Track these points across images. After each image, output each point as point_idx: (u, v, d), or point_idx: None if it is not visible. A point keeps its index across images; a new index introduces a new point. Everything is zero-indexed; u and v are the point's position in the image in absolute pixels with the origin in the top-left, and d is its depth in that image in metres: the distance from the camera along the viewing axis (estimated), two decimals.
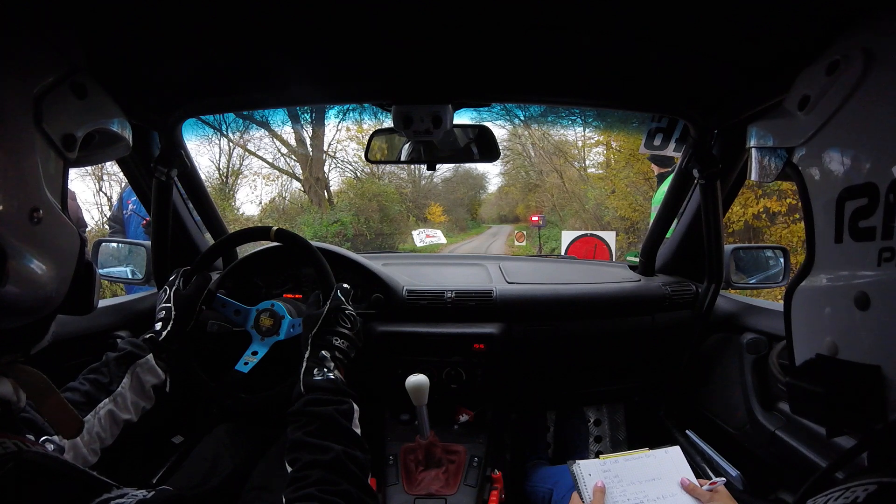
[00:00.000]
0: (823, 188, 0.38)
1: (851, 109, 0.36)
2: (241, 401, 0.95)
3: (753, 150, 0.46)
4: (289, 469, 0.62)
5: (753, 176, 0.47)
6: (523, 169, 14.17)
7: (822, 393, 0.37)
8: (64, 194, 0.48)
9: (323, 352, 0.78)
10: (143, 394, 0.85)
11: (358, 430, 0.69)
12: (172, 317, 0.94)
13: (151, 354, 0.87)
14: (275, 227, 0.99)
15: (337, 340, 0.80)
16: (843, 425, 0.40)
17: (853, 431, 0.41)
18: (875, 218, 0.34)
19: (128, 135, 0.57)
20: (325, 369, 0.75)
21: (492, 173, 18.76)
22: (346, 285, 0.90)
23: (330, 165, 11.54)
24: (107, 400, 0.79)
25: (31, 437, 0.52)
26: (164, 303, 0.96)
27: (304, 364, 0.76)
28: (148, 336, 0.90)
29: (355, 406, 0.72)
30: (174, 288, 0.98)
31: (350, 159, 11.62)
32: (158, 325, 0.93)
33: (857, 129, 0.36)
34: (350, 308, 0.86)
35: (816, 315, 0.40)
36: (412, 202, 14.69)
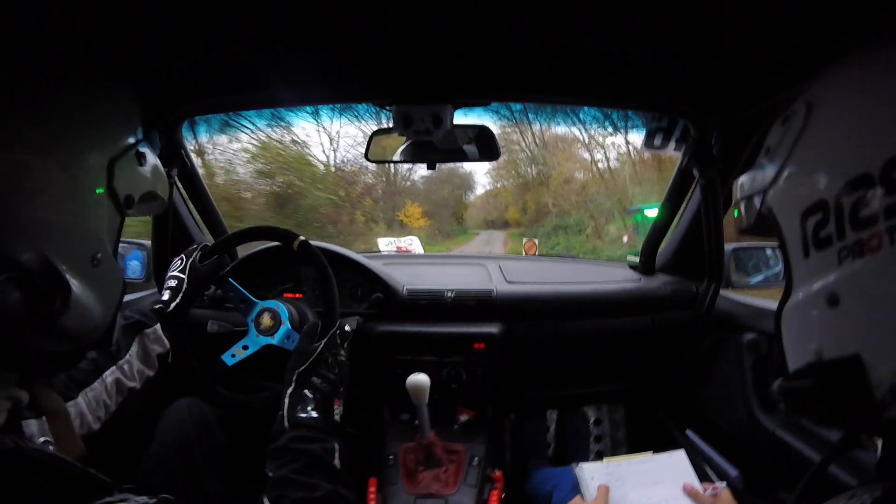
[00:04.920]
0: (790, 215, 0.45)
1: (800, 149, 0.45)
2: (216, 394, 0.94)
3: (740, 202, 0.55)
4: None
5: (744, 224, 0.55)
6: (517, 166, 12.65)
7: (811, 389, 0.42)
8: (117, 243, 0.56)
9: (306, 391, 0.76)
10: (148, 362, 0.86)
11: (340, 467, 0.67)
12: (183, 289, 0.94)
13: (159, 324, 0.88)
14: (301, 238, 0.95)
15: (321, 383, 0.78)
16: (834, 417, 0.44)
17: (845, 423, 0.45)
18: (830, 226, 0.40)
19: (165, 196, 0.65)
20: (309, 408, 0.73)
21: (479, 171, 16.96)
22: (347, 328, 0.87)
23: None
24: (114, 368, 0.80)
25: (34, 433, 0.54)
26: (178, 272, 0.96)
27: (287, 400, 0.73)
28: (157, 307, 0.91)
29: (336, 444, 0.70)
30: (191, 260, 0.97)
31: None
32: (167, 295, 0.93)
33: (805, 163, 0.44)
34: (343, 354, 0.83)
35: (800, 328, 0.46)
36: (381, 200, 12.45)
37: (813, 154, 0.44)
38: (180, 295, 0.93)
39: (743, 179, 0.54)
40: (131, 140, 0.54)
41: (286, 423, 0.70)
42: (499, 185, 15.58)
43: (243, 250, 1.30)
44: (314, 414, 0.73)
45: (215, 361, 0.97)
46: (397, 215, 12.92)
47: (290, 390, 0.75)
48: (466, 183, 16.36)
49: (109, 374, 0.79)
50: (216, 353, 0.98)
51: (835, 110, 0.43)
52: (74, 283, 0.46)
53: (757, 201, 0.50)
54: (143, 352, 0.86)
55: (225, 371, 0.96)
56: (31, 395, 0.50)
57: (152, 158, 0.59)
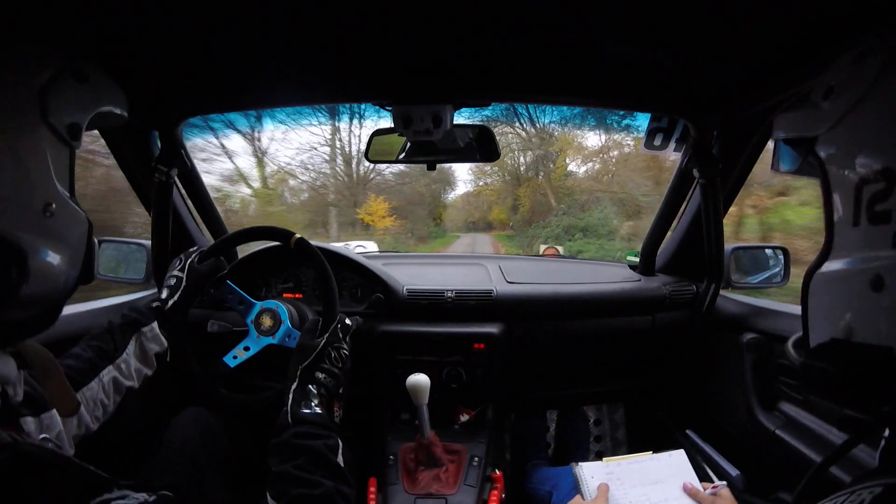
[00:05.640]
0: (844, 174, 0.39)
1: (873, 99, 0.37)
2: (219, 395, 0.94)
3: (778, 142, 0.48)
4: None
5: (780, 167, 0.48)
6: (501, 159, 10.49)
7: (836, 372, 0.39)
8: (72, 181, 0.49)
9: (310, 386, 0.76)
10: (146, 361, 0.86)
11: (342, 465, 0.67)
12: (182, 287, 0.93)
13: (156, 322, 0.88)
14: (297, 235, 0.94)
15: (325, 377, 0.78)
16: (855, 404, 0.41)
17: (864, 412, 0.42)
18: (891, 202, 0.35)
19: (123, 108, 0.58)
20: (312, 403, 0.73)
21: (461, 166, 13.81)
22: (348, 321, 0.86)
23: None
24: (111, 367, 0.79)
25: (31, 430, 0.53)
26: (177, 272, 0.96)
27: (291, 396, 0.73)
28: (154, 305, 0.91)
29: (339, 441, 0.70)
30: (189, 260, 0.97)
31: None
32: (165, 293, 0.93)
33: (877, 117, 0.37)
34: (346, 347, 0.83)
35: (833, 298, 0.41)
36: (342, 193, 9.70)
37: (888, 110, 0.36)
38: (178, 293, 0.93)
39: (784, 119, 0.46)
40: (60, 61, 0.46)
41: (289, 419, 0.70)
42: (481, 183, 13.39)
43: (243, 251, 1.31)
44: (318, 410, 0.73)
45: (216, 362, 0.96)
46: (357, 213, 10.48)
47: (293, 386, 0.75)
48: (445, 177, 13.46)
49: (106, 374, 0.78)
50: (216, 354, 0.98)
51: None
52: (30, 246, 0.42)
53: (798, 148, 0.43)
54: (140, 350, 0.85)
55: (227, 372, 0.96)
56: (15, 352, 0.48)
57: (99, 74, 0.51)
